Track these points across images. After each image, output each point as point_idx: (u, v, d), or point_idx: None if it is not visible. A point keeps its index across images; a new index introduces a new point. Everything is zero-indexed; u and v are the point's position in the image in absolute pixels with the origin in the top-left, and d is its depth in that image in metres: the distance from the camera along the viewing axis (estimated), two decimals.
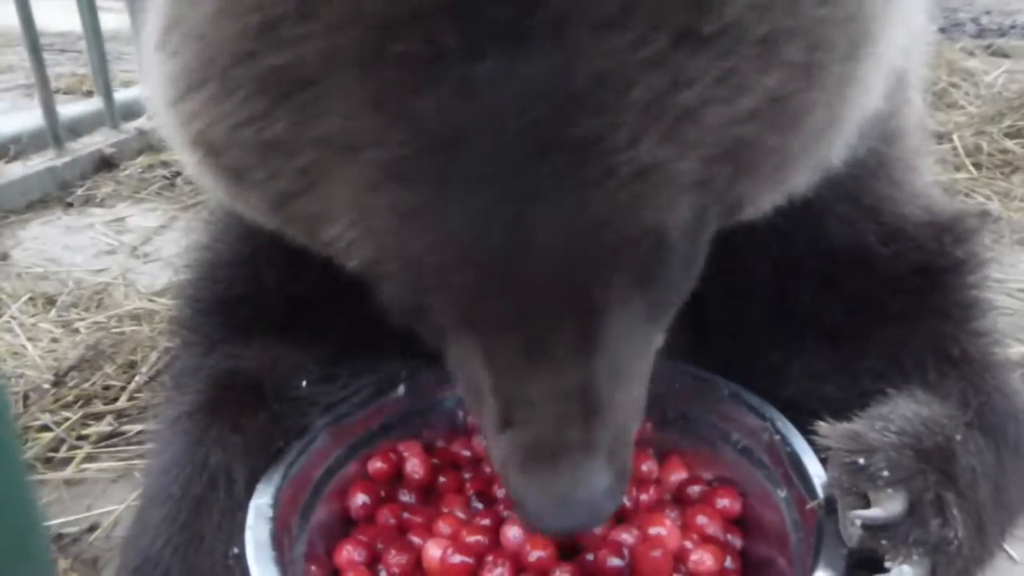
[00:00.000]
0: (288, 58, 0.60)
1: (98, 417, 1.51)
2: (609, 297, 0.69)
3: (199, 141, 0.71)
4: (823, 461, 0.89)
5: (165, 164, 2.96)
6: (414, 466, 1.07)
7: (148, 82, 0.77)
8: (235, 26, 0.62)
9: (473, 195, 0.60)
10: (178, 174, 2.88)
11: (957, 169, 2.64)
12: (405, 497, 1.06)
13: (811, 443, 0.92)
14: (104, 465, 1.41)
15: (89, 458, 1.42)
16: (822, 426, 0.87)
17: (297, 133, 0.63)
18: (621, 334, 0.73)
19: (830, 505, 0.85)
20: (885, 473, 0.80)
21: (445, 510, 1.03)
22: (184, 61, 0.67)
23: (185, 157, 0.77)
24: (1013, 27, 5.15)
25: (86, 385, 1.59)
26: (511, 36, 0.56)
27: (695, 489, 1.06)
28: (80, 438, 1.46)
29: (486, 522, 0.99)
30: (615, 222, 0.62)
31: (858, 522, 0.79)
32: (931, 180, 1.22)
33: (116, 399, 1.56)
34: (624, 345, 0.74)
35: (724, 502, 1.02)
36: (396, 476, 1.09)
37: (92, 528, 1.28)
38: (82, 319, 1.85)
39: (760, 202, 0.77)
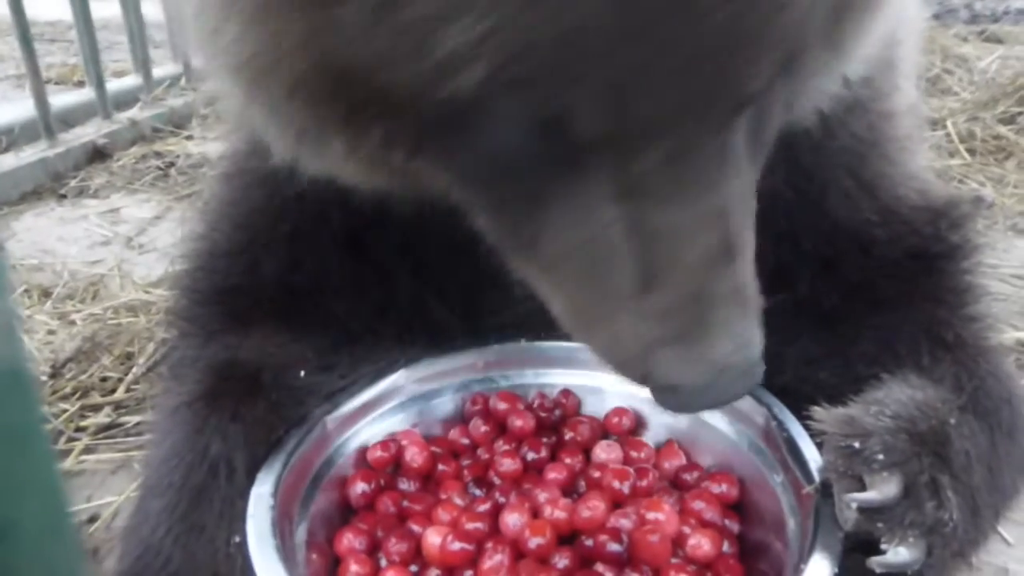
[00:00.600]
0: None
1: (96, 408, 1.51)
2: (753, 90, 0.64)
3: None
4: (819, 446, 0.90)
5: (159, 154, 2.95)
6: (413, 454, 1.08)
7: None
8: None
9: None
10: (172, 164, 2.87)
11: (951, 155, 2.65)
12: (404, 485, 1.07)
13: (807, 428, 0.93)
14: (103, 456, 1.41)
15: (87, 450, 1.42)
16: (817, 411, 0.88)
17: None
18: (742, 162, 0.69)
19: (826, 489, 0.86)
20: (880, 456, 0.81)
21: (444, 496, 1.04)
22: None
23: None
24: (1006, 13, 5.14)
25: (83, 377, 1.59)
26: None
27: (692, 475, 1.07)
28: (79, 430, 1.46)
29: (485, 508, 1.00)
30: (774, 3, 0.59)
31: (854, 505, 0.80)
32: (926, 164, 1.23)
33: (114, 390, 1.56)
34: (746, 175, 0.70)
35: (721, 487, 1.03)
36: (395, 464, 1.09)
37: (92, 519, 1.28)
38: (78, 311, 1.85)
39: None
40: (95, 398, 1.54)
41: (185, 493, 0.92)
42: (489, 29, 0.55)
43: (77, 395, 1.54)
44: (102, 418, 1.48)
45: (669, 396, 0.72)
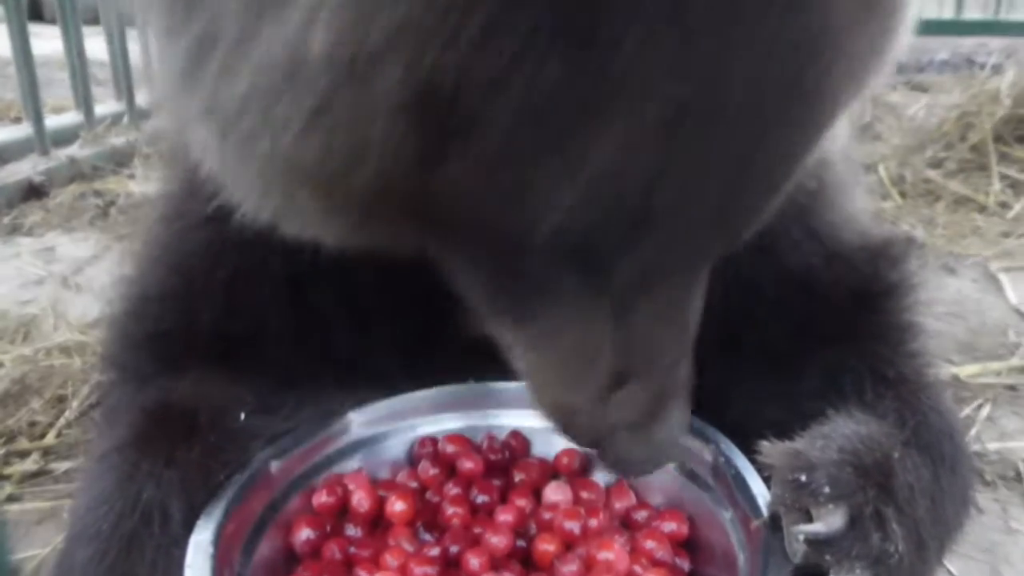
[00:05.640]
0: None
1: (23, 455, 1.44)
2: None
3: (418, 86, 0.59)
4: (766, 480, 0.91)
5: (98, 193, 2.88)
6: (360, 499, 1.04)
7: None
8: None
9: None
10: (112, 203, 2.80)
11: (883, 198, 2.76)
12: (351, 531, 1.04)
13: (754, 463, 0.94)
14: (28, 506, 1.34)
15: (11, 498, 1.35)
16: (764, 445, 0.89)
17: (578, 72, 0.57)
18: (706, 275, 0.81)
19: (775, 523, 0.86)
20: (826, 489, 0.82)
21: (392, 542, 1.01)
22: None
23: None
24: (930, 63, 5.42)
25: (10, 421, 1.51)
26: None
27: (642, 514, 1.06)
28: (2, 478, 1.39)
29: (434, 552, 0.98)
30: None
31: (801, 537, 0.80)
32: (863, 207, 1.27)
33: (43, 435, 1.49)
34: (704, 281, 0.82)
35: (671, 526, 1.02)
36: (342, 509, 1.06)
37: (13, 573, 1.21)
38: (6, 352, 1.77)
39: None
40: (22, 443, 1.47)
41: (114, 542, 0.87)
42: (577, 199, 0.63)
43: (2, 440, 1.47)
44: (29, 465, 1.41)
45: (618, 466, 0.89)
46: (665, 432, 0.83)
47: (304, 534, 1.01)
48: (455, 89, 0.58)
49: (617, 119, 0.59)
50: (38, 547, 1.25)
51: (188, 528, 0.90)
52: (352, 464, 1.11)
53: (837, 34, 0.62)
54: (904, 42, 0.74)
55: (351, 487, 1.06)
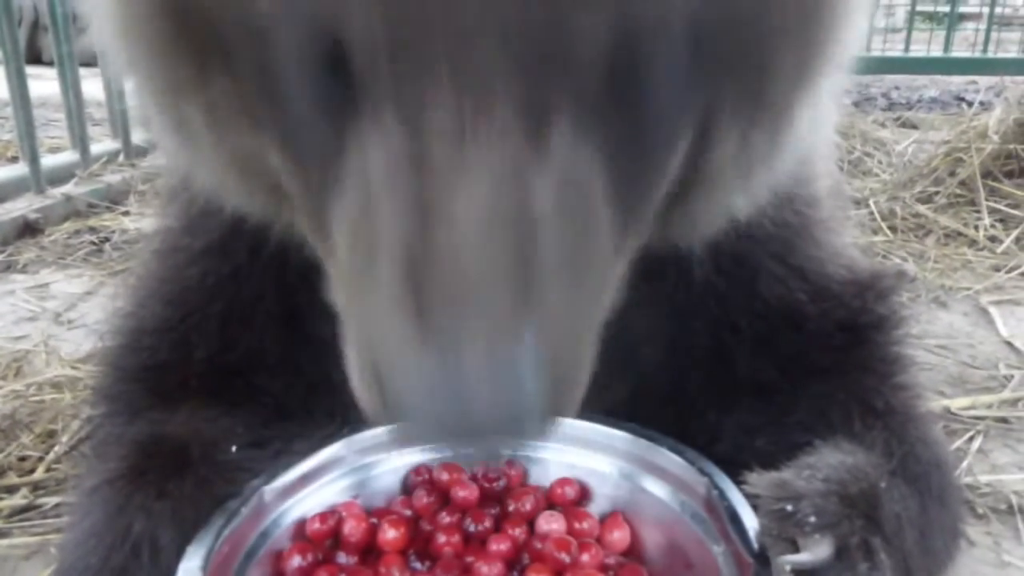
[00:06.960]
0: None
1: (11, 490, 1.43)
2: (575, 89, 0.54)
3: None
4: (755, 510, 0.91)
5: (93, 230, 2.89)
6: (351, 527, 1.04)
7: None
8: None
9: None
10: (106, 240, 2.81)
11: (874, 232, 2.78)
12: (343, 559, 1.03)
13: (742, 494, 0.94)
14: (16, 541, 1.33)
15: (0, 533, 1.34)
16: (751, 476, 0.89)
17: None
18: (576, 167, 0.56)
19: (763, 555, 0.86)
20: (812, 519, 0.82)
21: (383, 570, 1.00)
22: None
23: None
24: (919, 101, 5.51)
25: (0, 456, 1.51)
26: None
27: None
28: None
29: None
30: None
31: (788, 567, 0.80)
32: (850, 241, 1.29)
33: (32, 470, 1.48)
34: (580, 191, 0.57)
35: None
36: (334, 537, 1.05)
37: None
38: None
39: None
40: (11, 479, 1.45)
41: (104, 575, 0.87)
42: None
43: None
44: (18, 500, 1.40)
45: (392, 393, 0.57)
46: (478, 365, 0.50)
47: (295, 562, 1.00)
48: None
49: None
50: None
51: (180, 560, 0.89)
52: (346, 492, 1.10)
53: None
54: None
55: (344, 515, 1.06)
